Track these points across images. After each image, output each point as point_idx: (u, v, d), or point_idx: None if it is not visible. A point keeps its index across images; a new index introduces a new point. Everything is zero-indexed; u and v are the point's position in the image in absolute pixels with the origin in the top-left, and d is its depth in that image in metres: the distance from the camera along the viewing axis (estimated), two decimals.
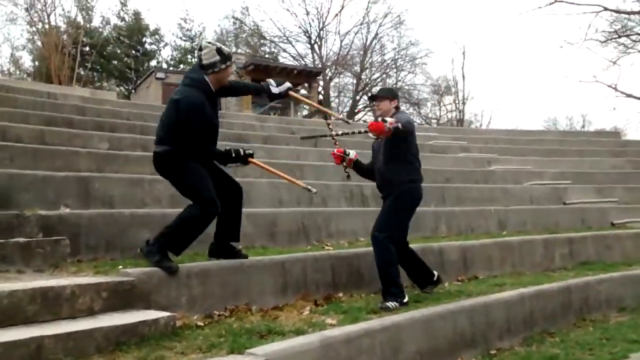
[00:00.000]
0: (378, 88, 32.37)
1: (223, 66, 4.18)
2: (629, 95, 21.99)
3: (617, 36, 20.57)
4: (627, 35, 20.75)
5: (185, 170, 4.10)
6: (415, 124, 5.11)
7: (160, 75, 21.05)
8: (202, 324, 3.63)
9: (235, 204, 4.41)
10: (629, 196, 10.68)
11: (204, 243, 5.17)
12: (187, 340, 3.29)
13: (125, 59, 33.51)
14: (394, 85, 33.78)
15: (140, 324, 3.24)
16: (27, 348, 2.74)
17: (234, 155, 4.42)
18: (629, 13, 19.97)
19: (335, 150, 4.94)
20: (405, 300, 4.41)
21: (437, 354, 3.94)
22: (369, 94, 6.20)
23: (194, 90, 4.10)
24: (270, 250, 5.37)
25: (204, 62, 4.16)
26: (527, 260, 6.52)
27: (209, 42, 4.27)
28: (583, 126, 39.92)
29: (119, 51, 33.19)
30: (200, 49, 4.22)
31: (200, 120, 4.06)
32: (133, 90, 25.18)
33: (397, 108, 4.84)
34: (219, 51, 4.16)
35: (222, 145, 9.21)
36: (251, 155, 4.51)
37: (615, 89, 21.88)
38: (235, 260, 4.32)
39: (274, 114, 19.11)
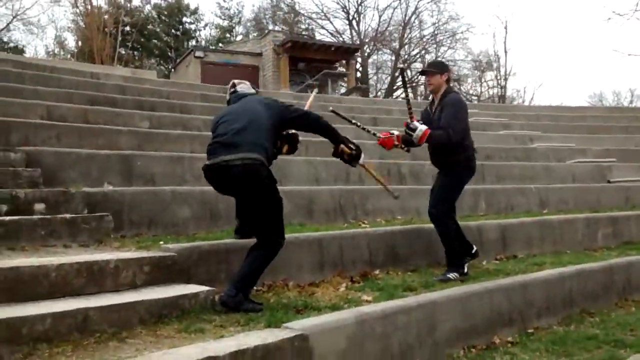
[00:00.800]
0: (421, 64, 32.00)
1: None
2: None
3: None
4: None
5: (274, 198, 3.79)
6: (466, 102, 5.07)
7: (199, 53, 21.22)
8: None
9: None
10: None
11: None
12: (226, 314, 3.37)
13: (166, 38, 33.91)
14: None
15: (181, 297, 3.34)
16: (74, 319, 2.86)
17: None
18: None
19: (381, 136, 4.84)
20: (466, 271, 4.62)
21: (474, 332, 3.94)
22: (421, 70, 6.16)
23: None
24: (307, 227, 5.42)
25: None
26: (568, 239, 6.40)
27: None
28: (631, 102, 38.66)
29: (158, 30, 33.59)
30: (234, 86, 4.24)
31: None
32: (172, 69, 25.48)
33: (448, 81, 4.88)
34: None
35: None
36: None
37: None
38: None
39: (311, 91, 19.08)
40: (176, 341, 2.91)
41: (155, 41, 33.47)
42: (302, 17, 34.04)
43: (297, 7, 33.75)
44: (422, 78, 33.79)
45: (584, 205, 8.11)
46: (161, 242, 4.20)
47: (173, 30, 34.34)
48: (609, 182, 9.74)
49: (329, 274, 4.49)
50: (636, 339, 4.00)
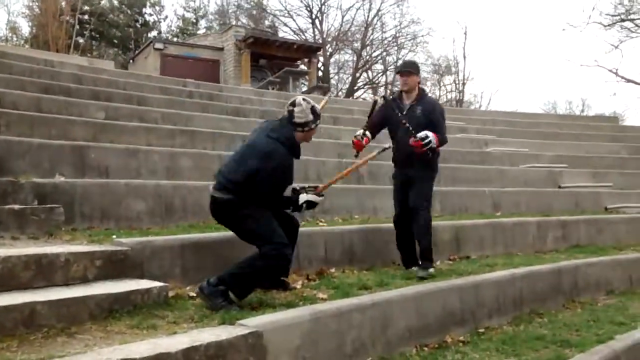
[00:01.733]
0: (382, 65, 32.28)
1: (313, 126, 4.00)
2: (629, 81, 21.96)
3: (620, 20, 20.42)
4: (631, 20, 20.61)
5: (248, 215, 3.78)
6: None
7: (158, 45, 20.83)
8: (195, 295, 3.66)
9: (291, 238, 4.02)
10: (624, 181, 10.73)
11: (199, 216, 5.22)
12: (180, 310, 3.32)
13: (127, 28, 33.16)
14: (395, 64, 33.61)
15: (133, 292, 3.27)
16: (21, 313, 2.77)
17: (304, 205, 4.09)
18: None
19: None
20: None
21: (426, 331, 3.99)
22: (398, 69, 6.22)
23: (284, 149, 3.84)
24: None
25: (297, 120, 3.91)
26: (520, 241, 6.57)
27: (304, 99, 3.99)
28: (582, 110, 39.92)
29: (120, 20, 32.80)
30: (294, 105, 3.94)
31: (283, 183, 3.90)
32: (131, 61, 24.93)
33: (419, 83, 5.04)
34: (313, 110, 3.95)
35: (220, 118, 9.20)
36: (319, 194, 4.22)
37: (616, 73, 21.85)
38: (228, 233, 4.34)
39: (273, 88, 18.98)
40: (127, 337, 2.85)
41: (115, 31, 32.70)
42: (266, 14, 33.87)
43: (261, 2, 33.54)
44: (383, 80, 34.18)
45: (536, 209, 8.33)
46: (114, 236, 4.10)
47: (133, 21, 33.62)
48: (560, 187, 10.04)
49: None
50: (581, 339, 4.13)
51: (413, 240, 4.92)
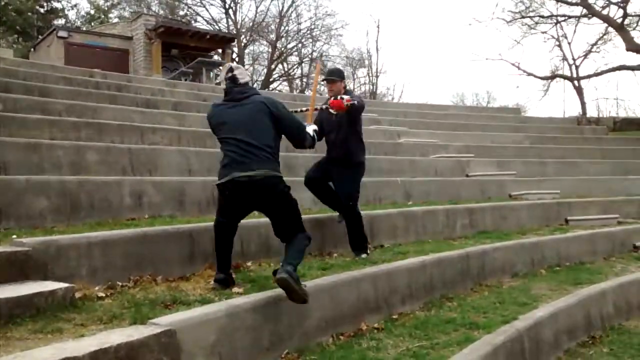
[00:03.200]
0: (297, 57, 32.33)
1: None
2: (530, 74, 23.12)
3: (521, 17, 21.49)
4: (531, 17, 21.76)
5: (292, 199, 4.01)
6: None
7: (62, 33, 19.73)
8: (103, 295, 3.52)
9: None
10: (526, 169, 11.36)
11: (107, 213, 5.02)
12: (87, 312, 3.18)
13: (30, 14, 31.08)
14: (310, 56, 33.76)
15: (36, 295, 3.09)
16: None
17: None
18: None
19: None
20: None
21: (342, 320, 4.06)
22: (325, 78, 6.45)
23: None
24: (178, 220, 5.27)
25: (246, 79, 4.06)
26: (430, 229, 6.81)
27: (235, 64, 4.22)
28: (488, 102, 41.82)
29: (24, 5, 30.68)
30: (232, 70, 4.03)
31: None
32: (32, 49, 23.47)
33: (345, 87, 5.49)
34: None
35: (129, 110, 8.87)
36: None
37: (519, 67, 22.98)
38: (139, 230, 4.22)
39: (185, 79, 18.52)
40: (30, 342, 2.69)
41: (17, 17, 30.55)
42: (181, 3, 32.91)
43: None
44: (299, 72, 34.24)
45: (445, 197, 8.66)
46: (14, 236, 3.87)
47: (38, 7, 31.58)
48: (467, 176, 10.48)
49: (200, 267, 4.39)
50: (488, 321, 4.35)
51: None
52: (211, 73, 20.56)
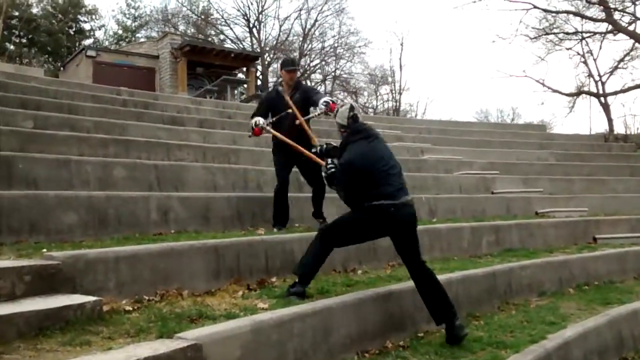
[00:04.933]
0: (321, 75, 32.64)
1: None
2: (555, 91, 22.97)
3: (545, 33, 21.39)
4: (555, 33, 21.64)
5: None
6: None
7: (91, 53, 20.22)
8: (130, 309, 3.55)
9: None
10: (552, 187, 11.22)
11: (134, 228, 5.09)
12: (115, 325, 3.21)
13: (60, 35, 31.90)
14: (333, 73, 33.94)
15: (65, 308, 3.13)
16: None
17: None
18: (556, 12, 20.81)
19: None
20: None
21: (367, 337, 4.02)
22: (291, 68, 6.62)
23: None
24: (203, 235, 5.31)
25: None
26: (455, 246, 6.74)
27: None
28: (513, 119, 41.50)
29: (53, 27, 31.52)
30: (354, 109, 4.38)
31: None
32: (62, 68, 24.04)
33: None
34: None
35: (155, 127, 9.01)
36: None
37: (543, 84, 22.82)
38: (165, 245, 4.25)
39: (210, 97, 18.77)
40: (59, 355, 2.73)
41: (48, 37, 31.36)
42: (208, 24, 33.42)
43: (206, 10, 33.09)
44: (322, 89, 34.42)
45: (470, 214, 8.58)
46: (44, 250, 3.93)
47: (67, 28, 32.42)
48: (492, 192, 10.38)
49: (225, 282, 4.41)
50: (515, 340, 4.28)
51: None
52: (235, 91, 20.82)
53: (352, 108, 4.35)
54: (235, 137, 9.72)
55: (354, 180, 4.13)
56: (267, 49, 32.84)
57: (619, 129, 22.00)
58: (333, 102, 5.56)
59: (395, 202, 4.06)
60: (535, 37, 21.21)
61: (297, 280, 4.22)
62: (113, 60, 20.66)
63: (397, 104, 35.99)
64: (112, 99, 11.33)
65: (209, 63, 20.99)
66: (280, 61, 7.29)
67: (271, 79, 33.50)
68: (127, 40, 32.88)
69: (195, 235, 5.20)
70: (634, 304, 5.61)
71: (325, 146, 4.84)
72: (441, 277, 5.03)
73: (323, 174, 4.36)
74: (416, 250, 4.25)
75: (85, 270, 3.63)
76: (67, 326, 3.07)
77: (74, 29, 32.95)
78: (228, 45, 30.09)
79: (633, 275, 7.20)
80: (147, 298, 3.80)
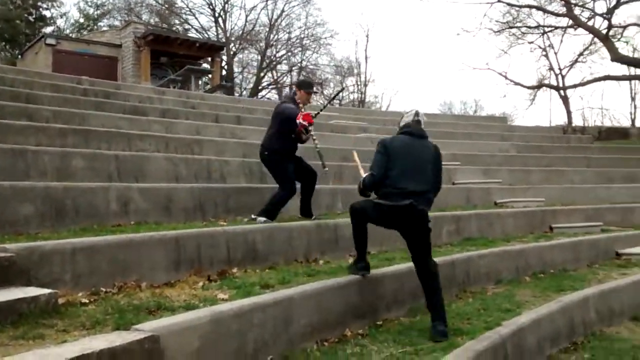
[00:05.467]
0: (287, 65, 32.55)
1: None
2: (517, 84, 23.40)
3: (508, 27, 21.72)
4: (518, 27, 22.00)
5: None
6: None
7: (50, 41, 19.68)
8: (87, 301, 3.51)
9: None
10: (511, 177, 11.46)
11: (93, 219, 5.01)
12: (70, 318, 3.17)
13: (18, 22, 30.87)
14: (299, 65, 33.87)
15: (18, 301, 3.07)
16: None
17: None
18: (519, 6, 21.14)
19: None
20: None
21: (327, 326, 4.06)
22: (310, 88, 7.02)
23: None
24: (164, 226, 5.27)
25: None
26: None
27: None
28: (475, 111, 42.07)
29: (12, 13, 30.46)
30: (418, 115, 4.72)
31: None
32: (20, 56, 23.36)
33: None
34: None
35: (117, 117, 8.86)
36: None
37: (506, 77, 23.24)
38: (124, 236, 4.21)
39: (174, 87, 18.51)
40: (10, 349, 2.67)
41: (6, 24, 30.31)
42: (173, 13, 32.83)
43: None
44: (288, 80, 34.33)
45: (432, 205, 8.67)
46: None
47: (26, 15, 31.41)
48: (453, 183, 10.54)
49: (185, 274, 4.39)
50: (471, 327, 4.37)
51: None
52: (200, 81, 20.57)
53: (417, 114, 4.66)
54: (199, 128, 9.64)
55: (378, 158, 4.39)
56: (233, 39, 32.55)
57: (577, 122, 22.60)
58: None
59: (394, 203, 4.21)
60: (498, 31, 21.53)
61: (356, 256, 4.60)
62: (74, 48, 20.18)
63: (363, 95, 36.17)
64: (72, 88, 11.10)
65: (173, 53, 20.67)
66: (300, 80, 7.34)
67: (236, 70, 33.27)
68: (89, 29, 32.10)
69: (155, 227, 5.16)
70: (586, 290, 5.80)
71: None
72: (402, 266, 5.13)
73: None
74: (421, 251, 4.39)
75: (40, 262, 3.57)
76: (20, 319, 3.01)
77: (34, 16, 31.97)
78: (193, 34, 29.66)
79: (586, 263, 7.43)
80: (104, 290, 3.76)
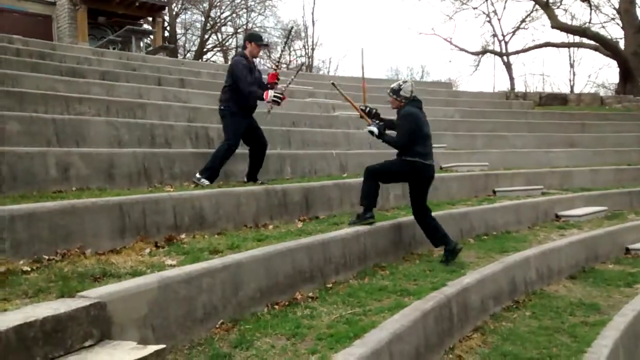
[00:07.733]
0: (232, 27, 31.71)
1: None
2: (461, 49, 23.82)
3: None
4: None
5: None
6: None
7: None
8: (29, 269, 3.39)
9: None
10: (456, 142, 11.68)
11: (31, 185, 4.81)
12: (11, 287, 3.06)
13: None
14: (244, 26, 33.15)
15: None
16: None
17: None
18: None
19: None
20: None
21: (277, 290, 4.09)
22: (264, 42, 6.89)
23: None
24: (107, 192, 5.11)
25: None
26: None
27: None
28: (422, 77, 42.57)
29: None
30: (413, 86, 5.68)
31: None
32: None
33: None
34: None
35: (53, 79, 8.45)
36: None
37: (451, 42, 23.64)
38: (66, 202, 4.06)
39: (114, 48, 17.79)
40: None
41: None
42: None
43: None
44: (234, 42, 33.58)
45: None
46: None
47: None
48: None
49: (131, 240, 4.30)
50: (418, 288, 4.49)
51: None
52: (141, 42, 19.84)
53: (412, 85, 5.58)
54: (141, 91, 9.33)
55: (407, 128, 5.36)
56: None
57: (519, 88, 23.18)
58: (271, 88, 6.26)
59: (424, 162, 5.35)
60: None
61: (363, 209, 5.43)
62: (2, 5, 19.03)
63: (310, 60, 35.87)
64: (3, 47, 10.48)
65: (111, 12, 19.82)
66: (249, 33, 8.06)
67: (179, 31, 32.28)
68: None
69: (98, 193, 4.99)
70: (527, 251, 6.04)
71: (374, 110, 6.10)
72: (349, 230, 5.18)
73: (370, 128, 5.68)
74: (425, 197, 5.50)
75: None
76: None
77: None
78: None
79: (527, 225, 7.73)
80: (47, 258, 3.64)
